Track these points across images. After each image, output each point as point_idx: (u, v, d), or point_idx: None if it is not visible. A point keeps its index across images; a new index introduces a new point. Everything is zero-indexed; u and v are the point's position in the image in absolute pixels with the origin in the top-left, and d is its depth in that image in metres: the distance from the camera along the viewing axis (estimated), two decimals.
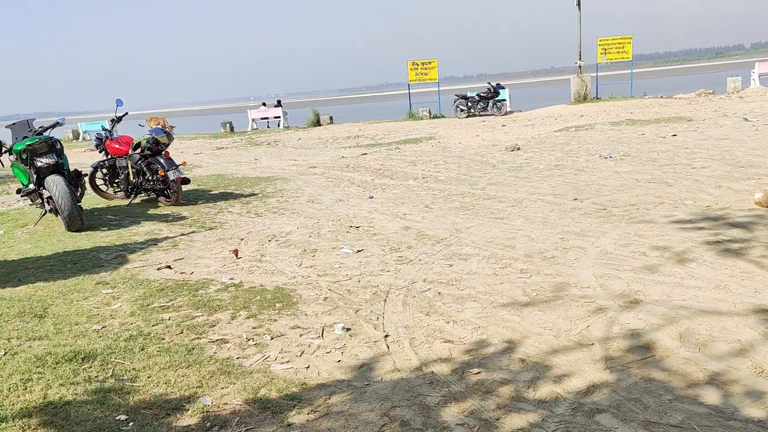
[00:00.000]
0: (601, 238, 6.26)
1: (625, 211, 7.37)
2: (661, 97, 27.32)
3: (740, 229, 6.21)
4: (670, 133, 14.27)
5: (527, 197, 8.66)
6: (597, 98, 28.41)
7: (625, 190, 8.56)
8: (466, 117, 26.66)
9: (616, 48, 29.04)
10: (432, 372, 3.59)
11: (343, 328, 4.30)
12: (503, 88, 27.71)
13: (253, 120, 32.30)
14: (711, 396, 3.14)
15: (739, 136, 12.83)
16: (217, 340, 4.26)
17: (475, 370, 3.57)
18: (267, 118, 32.53)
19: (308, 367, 3.78)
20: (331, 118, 30.91)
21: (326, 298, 5.04)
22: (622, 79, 30.97)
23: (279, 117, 31.79)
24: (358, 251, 6.43)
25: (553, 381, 3.40)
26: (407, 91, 30.65)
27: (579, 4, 29.00)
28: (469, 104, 27.01)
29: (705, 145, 11.92)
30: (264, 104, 34.94)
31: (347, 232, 7.41)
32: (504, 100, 27.32)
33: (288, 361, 3.87)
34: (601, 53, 29.05)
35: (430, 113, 28.75)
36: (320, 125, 29.73)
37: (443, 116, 28.51)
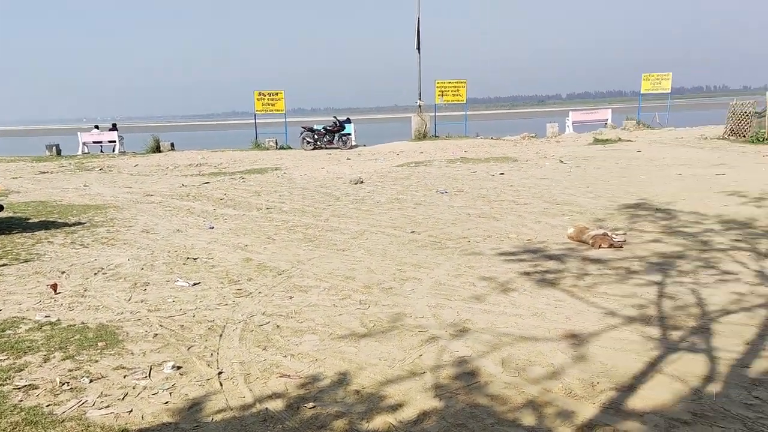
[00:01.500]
0: (435, 270, 6.57)
1: (458, 244, 7.82)
2: (492, 138, 29.66)
3: (555, 260, 6.85)
4: (499, 171, 15.49)
5: (368, 229, 8.87)
6: (435, 136, 30.14)
7: (458, 224, 9.10)
8: (312, 149, 26.89)
9: (452, 91, 31.18)
10: (266, 408, 3.49)
11: (173, 367, 4.04)
12: (349, 122, 28.39)
13: (84, 143, 29.84)
14: (528, 418, 3.38)
15: (556, 176, 14.27)
16: (25, 386, 3.79)
17: (310, 405, 3.53)
18: (100, 142, 30.24)
19: (131, 411, 3.49)
20: (172, 144, 29.51)
21: (156, 334, 4.71)
22: (457, 120, 33.17)
23: (114, 141, 29.70)
24: (195, 284, 6.13)
25: (387, 411, 3.45)
26: (254, 121, 30.27)
27: (419, 49, 30.81)
28: (316, 137, 27.29)
29: (528, 184, 13.09)
30: (97, 127, 32.46)
31: (184, 264, 7.04)
32: (349, 134, 27.98)
33: (108, 406, 3.54)
34: (439, 95, 31.02)
35: (277, 144, 28.61)
36: (160, 151, 28.25)
37: (290, 147, 28.51)
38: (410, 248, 7.65)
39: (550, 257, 7.01)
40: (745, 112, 23.85)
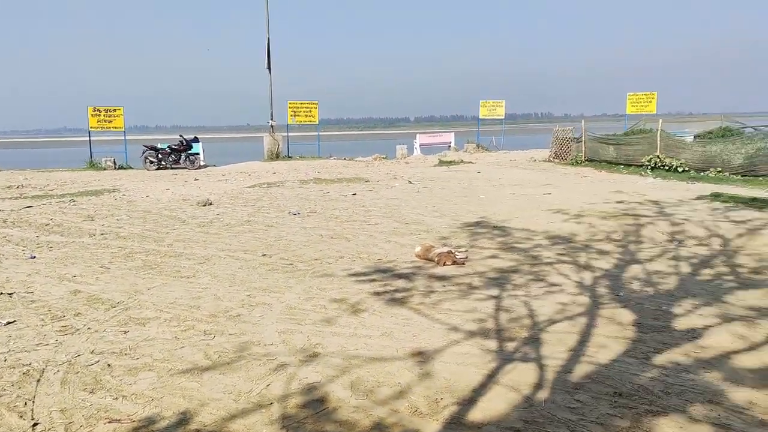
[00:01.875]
0: (286, 293, 6.45)
1: (310, 266, 7.76)
2: (344, 159, 30.13)
3: (404, 279, 7.03)
4: (351, 192, 15.72)
5: (216, 254, 8.52)
6: (288, 157, 29.97)
7: (311, 246, 9.05)
8: (156, 169, 25.46)
9: (304, 111, 31.26)
10: None
11: None
12: (197, 141, 27.30)
13: None
14: None
15: (405, 196, 14.78)
16: None
17: None
18: None
19: None
20: None
21: None
22: (310, 141, 33.30)
23: None
24: (8, 323, 5.45)
25: None
26: (88, 139, 28.00)
27: (269, 68, 30.54)
28: (160, 156, 25.89)
29: (379, 204, 13.41)
30: None
31: None
32: (198, 153, 26.90)
33: None
34: (291, 115, 30.95)
35: (115, 164, 26.69)
36: None
37: (130, 167, 26.76)
38: (261, 272, 7.45)
39: (400, 276, 7.18)
40: (566, 138, 26.54)
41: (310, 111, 31.39)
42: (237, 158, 30.69)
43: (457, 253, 7.93)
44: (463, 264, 7.68)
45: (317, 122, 31.89)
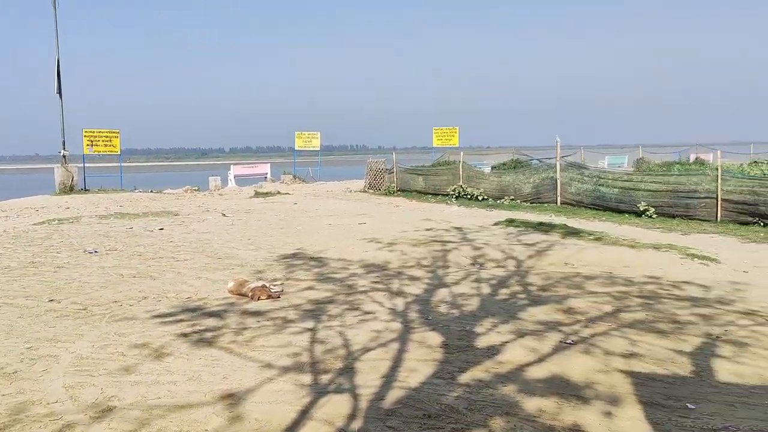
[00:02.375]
0: (77, 342, 5.74)
1: (107, 309, 7.03)
2: (152, 191, 28.31)
3: (215, 317, 6.66)
4: (158, 227, 14.73)
5: None
6: (85, 190, 27.39)
7: (109, 287, 8.23)
8: None
9: (103, 141, 28.88)
10: None
11: None
12: None
13: None
14: None
15: (218, 230, 14.20)
16: None
17: None
18: None
19: None
20: None
21: None
22: (113, 172, 30.84)
23: None
24: None
25: None
26: None
27: (60, 93, 27.73)
28: None
29: (189, 239, 12.70)
30: None
31: None
32: None
33: None
34: (88, 144, 28.39)
35: None
36: None
37: None
38: (46, 320, 6.57)
39: (210, 314, 6.80)
40: (379, 169, 27.73)
41: (111, 140, 29.13)
42: (22, 192, 27.30)
43: (272, 286, 7.74)
44: (279, 297, 7.51)
45: (119, 152, 29.67)
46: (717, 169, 14.84)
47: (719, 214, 14.28)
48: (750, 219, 13.65)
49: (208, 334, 6.00)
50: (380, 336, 5.81)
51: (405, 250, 10.86)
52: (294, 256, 10.55)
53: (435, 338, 5.71)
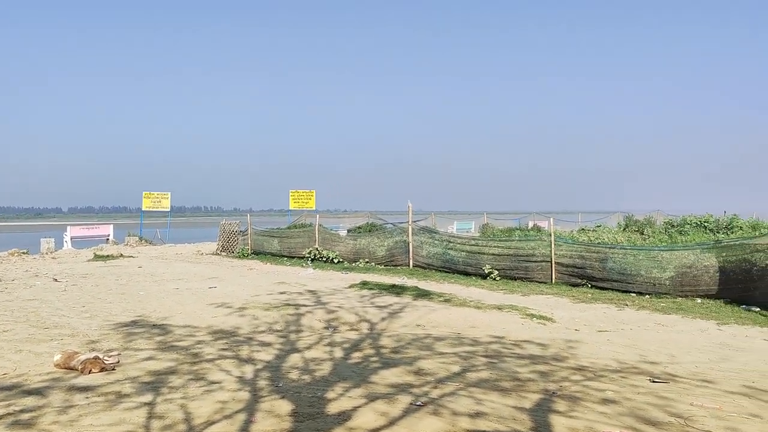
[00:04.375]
0: None
1: None
2: None
3: (35, 396, 5.89)
4: None
5: None
6: None
7: None
8: None
9: None
10: None
11: None
12: None
13: None
14: None
15: (48, 296, 12.83)
16: None
17: None
18: None
19: None
20: None
21: None
22: None
23: None
24: None
25: None
26: None
27: None
28: None
29: (11, 307, 11.32)
30: None
31: None
32: None
33: None
34: None
35: None
36: None
37: None
38: None
39: (30, 392, 5.99)
40: (233, 231, 27.00)
41: None
42: None
43: (106, 357, 7.05)
44: (114, 370, 6.84)
45: None
46: (551, 235, 16.27)
47: (554, 277, 15.54)
48: (579, 281, 15.00)
49: (25, 416, 5.27)
50: (226, 407, 5.46)
51: (257, 314, 10.50)
52: (134, 323, 9.77)
53: (285, 406, 5.48)
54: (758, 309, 11.54)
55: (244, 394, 5.87)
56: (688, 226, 22.02)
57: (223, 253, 26.55)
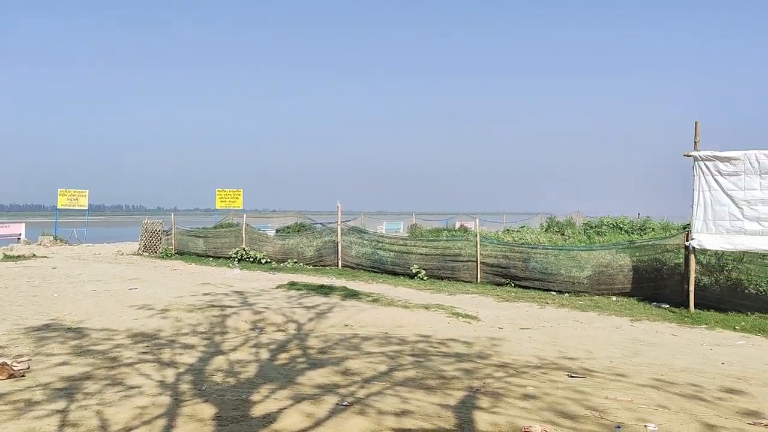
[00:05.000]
0: None
1: None
2: None
3: None
4: None
5: None
6: None
7: None
8: None
9: None
10: None
11: None
12: None
13: None
14: None
15: None
16: None
17: None
18: None
19: None
20: None
21: None
22: None
23: None
24: None
25: None
26: None
27: None
28: None
29: None
30: None
31: None
32: None
33: None
34: None
35: None
36: None
37: None
38: None
39: None
40: (156, 230, 26.10)
41: None
42: None
43: (15, 363, 6.65)
44: (23, 376, 6.46)
45: None
46: (477, 235, 16.65)
47: (479, 276, 15.91)
48: (503, 280, 15.42)
49: None
50: (145, 412, 5.27)
51: (180, 316, 10.19)
52: (47, 327, 9.26)
53: (207, 410, 5.34)
54: (667, 306, 12.24)
55: (165, 399, 5.68)
56: (605, 227, 23.09)
57: (146, 254, 25.60)
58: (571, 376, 6.76)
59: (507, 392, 6.04)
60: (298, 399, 5.68)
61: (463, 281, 16.05)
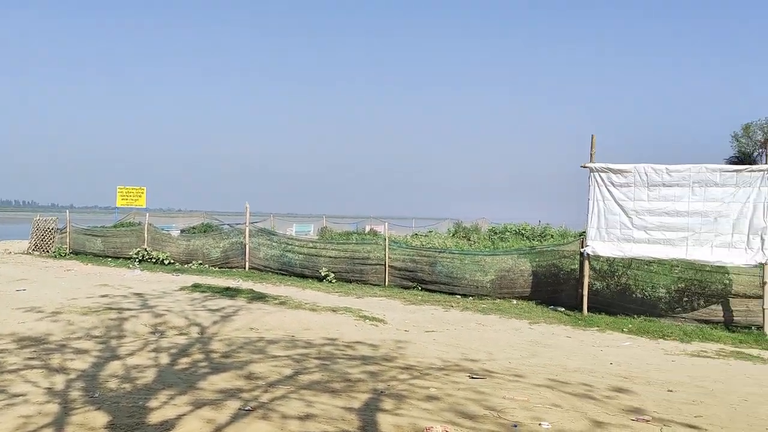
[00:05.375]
0: None
1: None
2: None
3: None
4: None
5: None
6: None
7: None
8: None
9: None
10: None
11: None
12: None
13: None
14: None
15: None
16: None
17: None
18: None
19: None
20: None
21: None
22: None
23: None
24: None
25: None
26: None
27: None
28: None
29: None
30: None
31: None
32: None
33: None
34: None
35: None
36: None
37: None
38: None
39: None
40: (49, 228, 24.48)
41: None
42: None
43: None
44: None
45: None
46: (386, 239, 16.84)
47: (387, 279, 16.10)
48: (411, 283, 15.70)
49: None
50: (30, 422, 4.92)
51: (72, 319, 9.60)
52: None
53: (100, 418, 5.07)
54: (563, 309, 12.92)
55: (53, 407, 5.33)
56: (509, 233, 24.06)
57: (36, 253, 23.93)
58: (473, 377, 6.98)
59: (411, 394, 6.15)
60: (198, 404, 5.51)
61: (371, 284, 16.18)
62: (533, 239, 22.61)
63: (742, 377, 7.93)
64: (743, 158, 58.74)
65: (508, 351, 8.83)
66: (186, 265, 19.88)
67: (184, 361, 7.24)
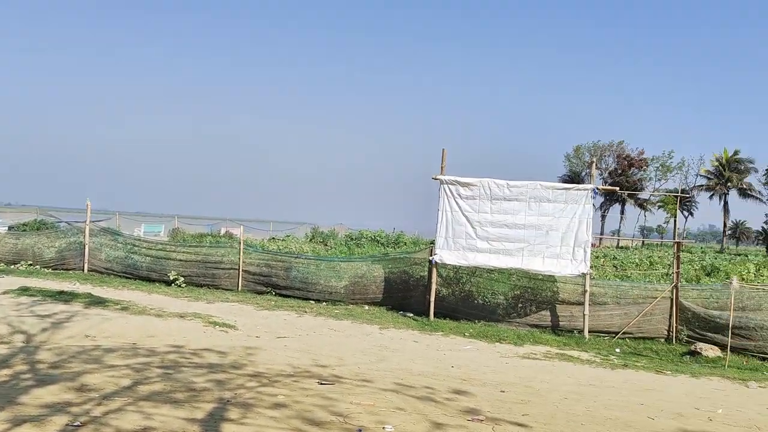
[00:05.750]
0: None
1: None
2: None
3: None
4: None
5: None
6: None
7: None
8: None
9: None
10: None
11: None
12: None
13: None
14: None
15: None
16: None
17: None
18: None
19: None
20: None
21: None
22: None
23: None
24: None
25: None
26: None
27: None
28: None
29: None
30: None
31: None
32: None
33: None
34: None
35: None
36: None
37: None
38: None
39: None
40: None
41: None
42: None
43: None
44: None
45: None
46: (240, 243, 16.44)
47: (240, 284, 15.71)
48: (265, 288, 15.46)
49: None
50: None
51: None
52: None
53: None
54: (412, 314, 13.45)
55: None
56: (365, 239, 24.60)
57: None
58: (322, 383, 7.04)
59: (258, 402, 6.06)
60: (17, 422, 5.00)
61: (223, 289, 15.70)
62: (388, 246, 23.31)
63: (564, 377, 8.77)
64: (573, 177, 65.18)
65: (358, 356, 9.01)
66: (13, 266, 17.95)
67: (4, 374, 6.53)
